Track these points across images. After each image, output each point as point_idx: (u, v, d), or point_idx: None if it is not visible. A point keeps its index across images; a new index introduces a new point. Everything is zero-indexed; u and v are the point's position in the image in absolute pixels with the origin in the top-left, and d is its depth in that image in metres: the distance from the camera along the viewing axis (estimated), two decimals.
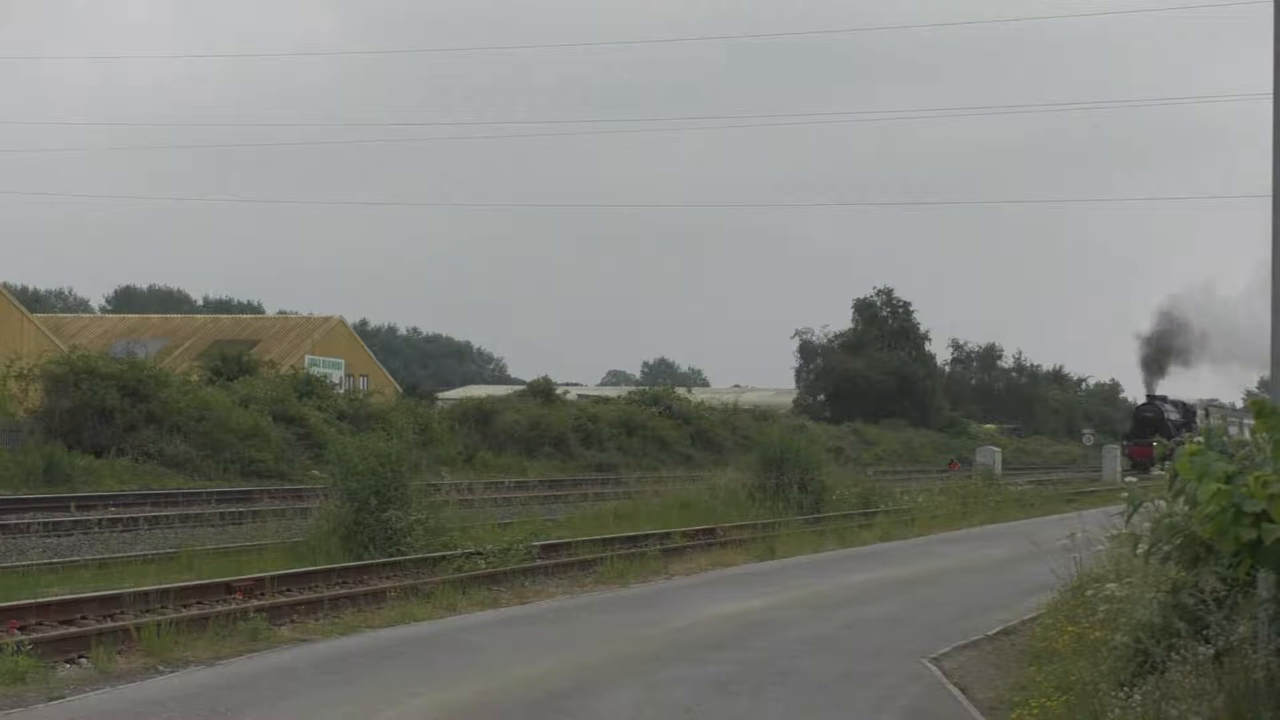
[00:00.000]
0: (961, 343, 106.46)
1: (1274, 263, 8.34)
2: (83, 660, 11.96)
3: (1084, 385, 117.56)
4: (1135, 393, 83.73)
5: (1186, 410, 72.03)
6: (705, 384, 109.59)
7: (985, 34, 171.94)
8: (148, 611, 13.78)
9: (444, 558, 18.22)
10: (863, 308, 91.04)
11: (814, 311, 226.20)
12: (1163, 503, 8.17)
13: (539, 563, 19.00)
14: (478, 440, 47.13)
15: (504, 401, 54.16)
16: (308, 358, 59.53)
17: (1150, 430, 66.01)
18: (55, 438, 33.42)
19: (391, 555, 18.39)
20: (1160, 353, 77.42)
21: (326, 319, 67.52)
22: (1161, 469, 8.69)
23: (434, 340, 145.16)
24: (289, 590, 15.90)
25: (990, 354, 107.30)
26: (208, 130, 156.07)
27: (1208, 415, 71.54)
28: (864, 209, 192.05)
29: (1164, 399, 72.53)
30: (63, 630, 12.92)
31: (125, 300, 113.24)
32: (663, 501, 28.63)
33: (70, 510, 25.23)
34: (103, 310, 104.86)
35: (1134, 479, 46.62)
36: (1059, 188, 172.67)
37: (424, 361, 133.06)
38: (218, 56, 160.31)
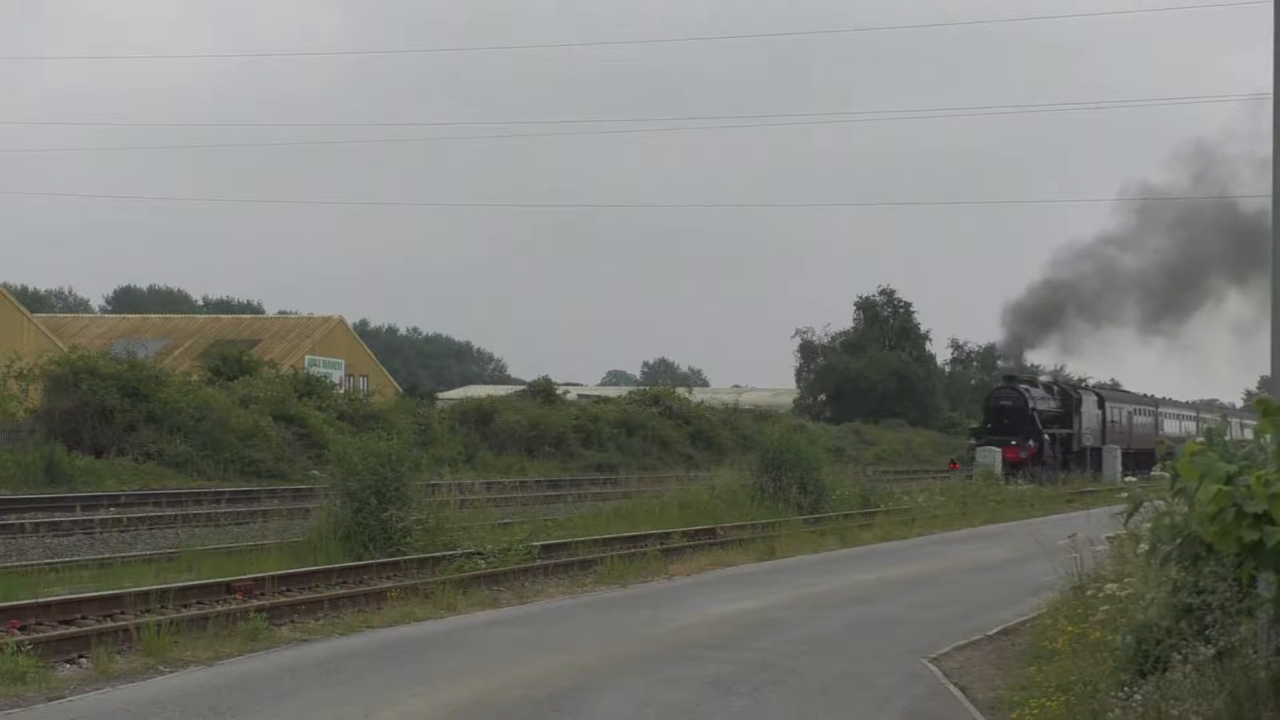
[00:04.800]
0: (961, 343, 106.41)
1: (1274, 261, 8.34)
2: (83, 660, 11.96)
3: (1084, 385, 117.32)
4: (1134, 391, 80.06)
5: (1066, 397, 55.52)
6: (705, 384, 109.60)
7: (985, 34, 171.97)
8: (148, 611, 13.77)
9: (444, 558, 18.20)
10: (866, 307, 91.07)
11: (814, 312, 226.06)
12: (1162, 503, 8.18)
13: (539, 563, 18.99)
14: (478, 440, 47.12)
15: (504, 401, 54.14)
16: (308, 358, 59.50)
17: (1009, 424, 50.88)
18: (55, 438, 33.40)
19: (391, 555, 18.38)
20: (1054, 298, 58.37)
21: (326, 319, 67.48)
22: (1161, 469, 8.66)
23: (434, 340, 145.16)
24: (289, 590, 15.89)
25: (990, 354, 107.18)
26: (208, 130, 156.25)
27: (1103, 404, 59.05)
28: (864, 209, 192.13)
29: (1032, 381, 55.72)
30: (63, 630, 12.91)
31: (125, 300, 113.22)
32: (663, 501, 28.61)
33: (75, 511, 25.22)
34: (103, 310, 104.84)
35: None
36: (1058, 187, 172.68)
37: (424, 361, 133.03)
38: (218, 56, 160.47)
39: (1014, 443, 49.68)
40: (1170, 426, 68.46)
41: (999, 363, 67.28)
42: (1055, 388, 56.55)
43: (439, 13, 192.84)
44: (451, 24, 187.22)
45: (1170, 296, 58.79)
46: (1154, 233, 57.88)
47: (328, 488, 20.95)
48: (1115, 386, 79.80)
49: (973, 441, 51.94)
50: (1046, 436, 51.75)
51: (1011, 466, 47.91)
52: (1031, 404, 51.92)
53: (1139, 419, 64.32)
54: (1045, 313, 59.54)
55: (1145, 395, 72.46)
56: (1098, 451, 56.74)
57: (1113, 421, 59.47)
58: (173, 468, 34.51)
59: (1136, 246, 58.49)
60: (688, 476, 34.83)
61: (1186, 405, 76.19)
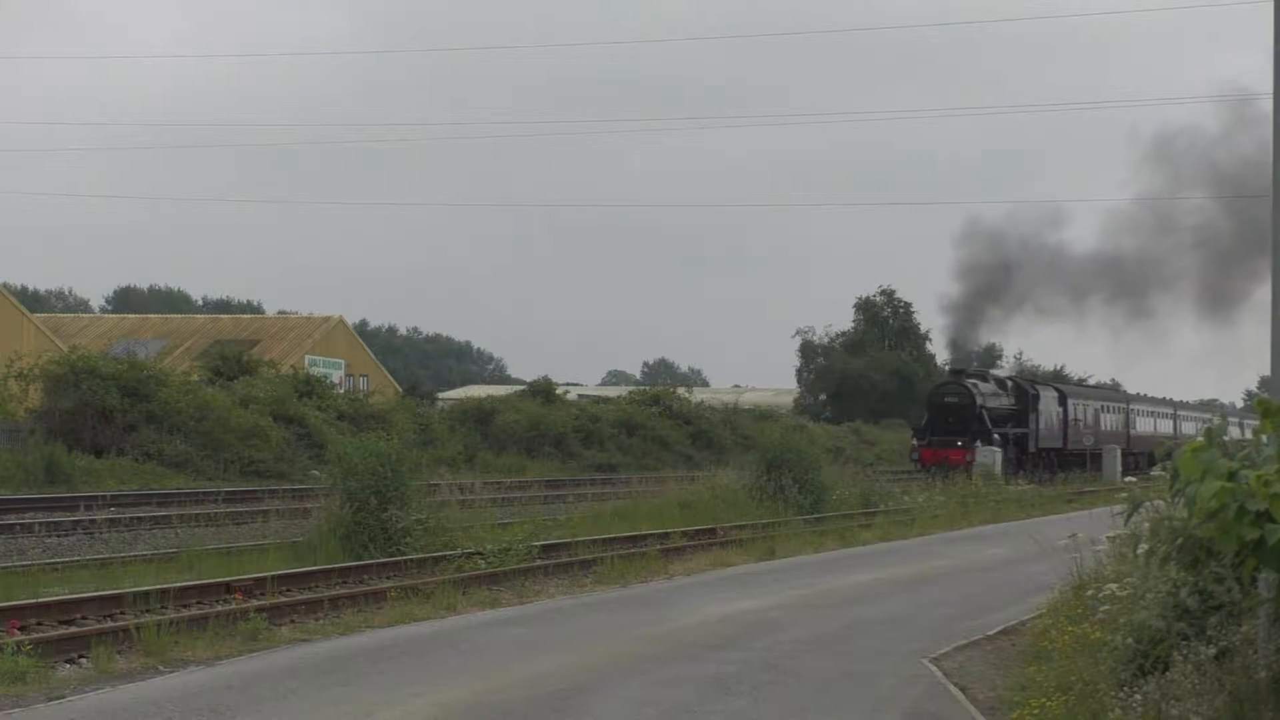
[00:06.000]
0: (961, 343, 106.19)
1: (1274, 262, 8.35)
2: (83, 660, 11.95)
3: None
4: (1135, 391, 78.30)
5: (1021, 393, 51.06)
6: (705, 384, 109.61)
7: (985, 34, 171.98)
8: (148, 611, 13.77)
9: (444, 558, 18.21)
10: (865, 307, 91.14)
11: (814, 311, 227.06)
12: (1162, 503, 8.18)
13: (539, 563, 18.98)
14: (478, 440, 47.13)
15: (504, 401, 54.13)
16: (308, 358, 59.51)
17: (954, 423, 46.46)
18: (55, 438, 33.40)
19: (391, 555, 18.38)
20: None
21: (326, 319, 67.49)
22: (1162, 469, 8.67)
23: (434, 340, 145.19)
24: (289, 590, 15.89)
25: (990, 354, 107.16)
26: (208, 130, 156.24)
27: (1064, 401, 54.25)
28: (864, 209, 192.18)
29: (982, 375, 51.47)
30: (63, 630, 12.90)
31: (125, 300, 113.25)
32: (663, 501, 28.60)
33: (75, 511, 25.22)
34: (103, 310, 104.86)
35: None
36: (1056, 187, 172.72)
37: (424, 361, 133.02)
38: (218, 56, 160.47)
39: (959, 444, 45.68)
40: (1143, 425, 64.27)
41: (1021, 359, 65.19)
42: (1009, 383, 52.20)
43: (439, 12, 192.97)
44: (452, 24, 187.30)
45: (1215, 280, 53.51)
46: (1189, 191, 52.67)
47: (328, 488, 20.94)
48: (1114, 386, 78.69)
49: (915, 442, 47.98)
50: (996, 436, 47.42)
51: (958, 470, 42.75)
52: (980, 401, 47.47)
53: (1107, 416, 59.76)
54: (999, 280, 54.16)
55: (1115, 391, 69.50)
56: (1058, 453, 52.82)
57: (1075, 419, 54.94)
58: (173, 468, 34.51)
59: (1169, 222, 53.78)
60: (688, 476, 34.80)
61: (1163, 402, 71.75)
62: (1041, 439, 51.56)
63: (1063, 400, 54.43)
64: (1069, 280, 56.81)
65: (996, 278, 54.99)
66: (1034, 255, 56.08)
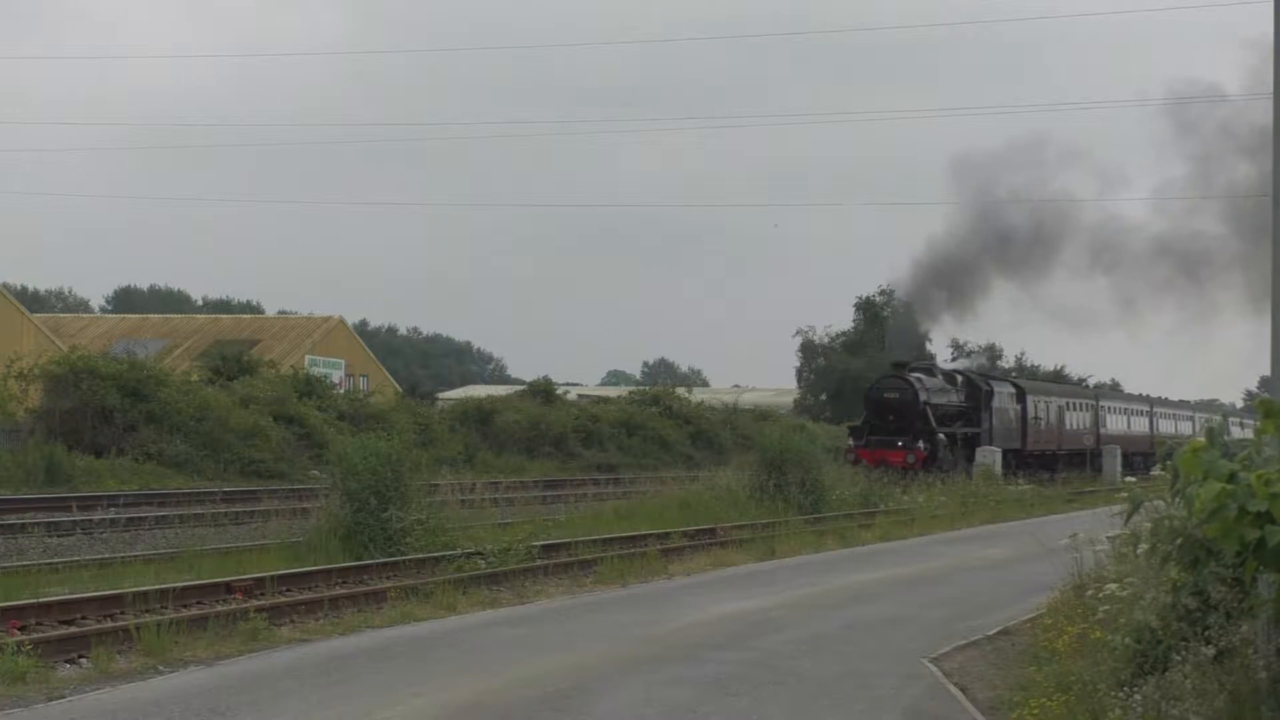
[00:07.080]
0: (962, 343, 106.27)
1: (1274, 262, 8.35)
2: (83, 660, 11.96)
3: (1084, 385, 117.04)
4: (1135, 391, 77.15)
5: (973, 390, 47.06)
6: (705, 384, 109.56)
7: (986, 32, 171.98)
8: (148, 611, 13.77)
9: (444, 558, 18.22)
10: (865, 307, 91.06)
11: (814, 311, 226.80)
12: (1163, 502, 8.17)
13: (539, 563, 18.98)
14: (478, 440, 47.11)
15: (504, 401, 54.13)
16: (308, 358, 59.49)
17: (895, 421, 42.47)
18: (55, 438, 33.39)
19: (391, 555, 18.38)
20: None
21: (326, 319, 67.48)
22: (1162, 468, 8.66)
23: (434, 340, 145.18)
24: (289, 590, 15.89)
25: (990, 354, 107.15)
26: (208, 130, 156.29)
27: (1023, 398, 50.01)
28: (864, 209, 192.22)
29: (928, 370, 47.29)
30: (63, 630, 12.91)
31: (125, 300, 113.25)
32: (663, 501, 28.61)
33: (75, 511, 25.20)
34: (103, 310, 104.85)
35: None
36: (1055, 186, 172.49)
37: (424, 361, 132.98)
38: (218, 56, 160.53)
39: (900, 444, 41.78)
40: (1115, 424, 59.93)
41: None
42: (959, 377, 47.85)
43: (439, 13, 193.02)
44: (452, 23, 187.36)
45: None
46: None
47: (328, 488, 20.95)
48: (1114, 387, 77.92)
49: (851, 442, 43.54)
50: (942, 436, 43.36)
51: (898, 473, 38.96)
52: (924, 397, 43.28)
53: (1073, 415, 55.33)
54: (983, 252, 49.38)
55: (1085, 387, 66.48)
56: (1017, 454, 48.49)
57: (1036, 418, 50.66)
58: (173, 468, 34.49)
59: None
60: (688, 476, 34.80)
61: (1138, 399, 67.45)
62: (995, 439, 47.25)
63: (1021, 397, 50.13)
64: (1098, 248, 53.09)
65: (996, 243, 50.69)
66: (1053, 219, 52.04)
